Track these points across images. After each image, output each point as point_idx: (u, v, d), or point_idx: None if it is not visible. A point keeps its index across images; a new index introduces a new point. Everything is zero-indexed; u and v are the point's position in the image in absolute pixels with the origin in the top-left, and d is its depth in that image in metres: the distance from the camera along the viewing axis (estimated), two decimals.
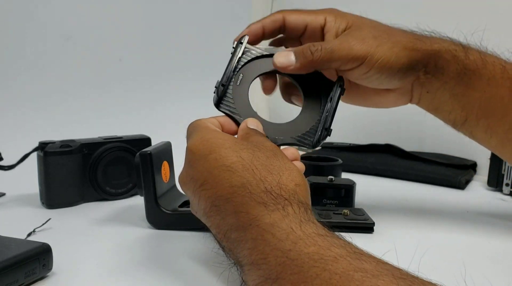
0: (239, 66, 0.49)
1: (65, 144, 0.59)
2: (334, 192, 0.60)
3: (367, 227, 0.52)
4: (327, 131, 0.46)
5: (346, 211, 0.54)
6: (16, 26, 1.03)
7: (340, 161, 0.74)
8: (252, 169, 0.36)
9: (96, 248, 0.46)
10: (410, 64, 0.49)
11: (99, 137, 0.63)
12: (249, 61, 0.49)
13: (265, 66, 0.50)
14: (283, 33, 0.54)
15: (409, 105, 0.56)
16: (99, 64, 1.14)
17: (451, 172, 0.77)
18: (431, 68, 0.50)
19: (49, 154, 0.57)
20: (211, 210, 0.36)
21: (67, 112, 1.06)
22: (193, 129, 0.42)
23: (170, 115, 1.11)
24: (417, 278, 0.28)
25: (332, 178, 0.62)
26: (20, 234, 0.46)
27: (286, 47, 0.55)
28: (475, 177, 0.83)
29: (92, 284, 0.39)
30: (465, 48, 0.50)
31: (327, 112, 0.47)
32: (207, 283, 0.39)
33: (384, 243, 0.45)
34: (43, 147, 0.58)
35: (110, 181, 0.62)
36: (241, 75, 0.48)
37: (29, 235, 0.48)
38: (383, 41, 0.48)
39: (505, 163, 0.72)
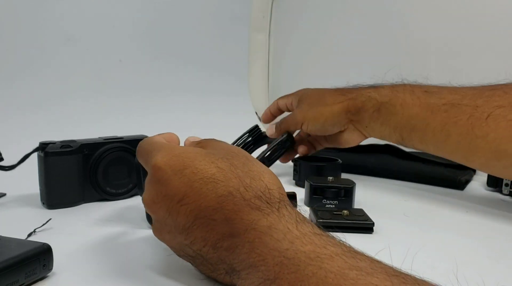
0: (250, 139, 0.80)
1: (66, 144, 0.59)
2: (334, 192, 0.60)
3: (367, 228, 0.53)
4: (263, 158, 0.72)
5: (345, 211, 0.54)
6: (16, 27, 1.03)
7: (340, 161, 0.74)
8: (235, 177, 0.36)
9: (96, 248, 0.47)
10: (334, 113, 0.69)
11: (99, 137, 0.63)
12: (259, 136, 0.81)
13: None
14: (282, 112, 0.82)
15: None
16: (99, 65, 1.14)
17: (451, 172, 0.77)
18: (354, 110, 0.68)
19: (50, 154, 0.58)
20: (194, 224, 0.36)
21: (67, 112, 1.06)
22: (151, 147, 0.41)
23: (170, 115, 1.11)
24: (410, 275, 0.29)
25: (332, 179, 0.62)
26: (20, 234, 0.47)
27: None
28: (475, 177, 0.83)
29: (92, 284, 0.39)
30: (377, 88, 0.67)
31: (268, 149, 0.73)
32: (207, 284, 0.39)
33: (384, 244, 0.46)
34: (43, 148, 0.58)
35: (111, 182, 0.62)
36: (252, 145, 0.80)
37: (29, 235, 0.48)
38: (313, 106, 0.71)
39: None
